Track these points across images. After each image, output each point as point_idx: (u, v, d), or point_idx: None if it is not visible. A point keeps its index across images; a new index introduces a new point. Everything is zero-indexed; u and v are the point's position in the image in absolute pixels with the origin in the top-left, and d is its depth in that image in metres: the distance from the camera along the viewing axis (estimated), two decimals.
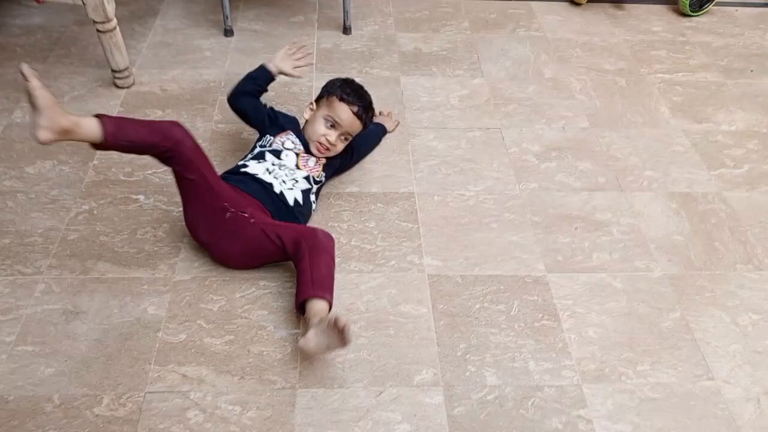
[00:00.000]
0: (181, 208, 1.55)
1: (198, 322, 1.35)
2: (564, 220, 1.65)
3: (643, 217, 1.67)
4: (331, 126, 1.58)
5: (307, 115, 1.65)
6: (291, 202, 1.50)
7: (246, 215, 1.38)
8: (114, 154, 1.69)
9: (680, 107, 2.07)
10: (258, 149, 1.59)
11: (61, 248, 1.47)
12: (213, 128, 1.83)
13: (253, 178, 1.49)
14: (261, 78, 1.67)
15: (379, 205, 1.65)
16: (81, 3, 1.71)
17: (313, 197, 1.57)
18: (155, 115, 1.87)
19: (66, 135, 1.18)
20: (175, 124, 1.30)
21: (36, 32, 2.18)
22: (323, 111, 1.59)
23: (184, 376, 1.25)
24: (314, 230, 1.40)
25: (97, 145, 1.24)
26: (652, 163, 1.84)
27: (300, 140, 1.60)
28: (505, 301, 1.44)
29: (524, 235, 1.60)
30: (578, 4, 2.58)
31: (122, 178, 1.66)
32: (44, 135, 1.16)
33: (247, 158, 1.57)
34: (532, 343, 1.36)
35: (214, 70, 2.06)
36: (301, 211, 1.52)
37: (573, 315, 1.43)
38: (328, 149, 1.59)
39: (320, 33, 2.29)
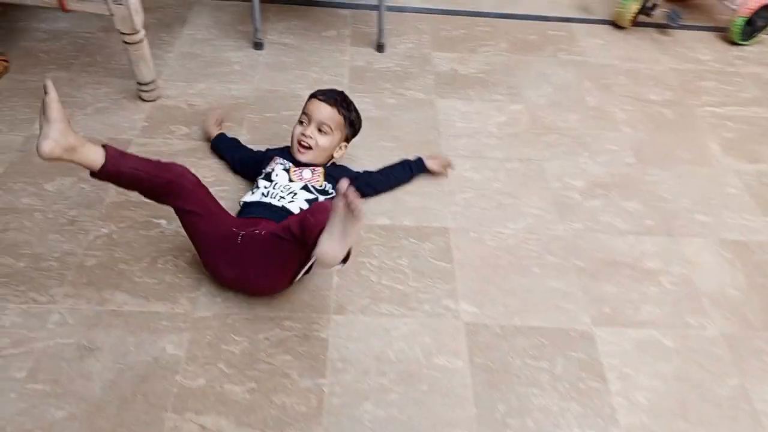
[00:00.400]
0: None
1: (219, 365, 1.26)
2: (610, 266, 1.54)
3: (694, 267, 1.56)
4: (302, 123, 1.56)
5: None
6: (297, 211, 1.42)
7: (256, 231, 1.31)
8: None
9: (731, 145, 1.95)
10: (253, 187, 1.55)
11: (77, 275, 1.39)
12: None
13: (252, 205, 1.45)
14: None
15: (411, 240, 1.55)
16: (108, 13, 1.63)
17: None
18: (180, 132, 1.78)
19: (70, 153, 1.18)
20: (178, 165, 1.30)
21: (61, 38, 2.10)
22: (300, 116, 1.58)
23: (202, 427, 1.17)
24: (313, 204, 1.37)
25: (97, 173, 1.22)
26: (703, 206, 1.73)
27: (288, 159, 1.56)
28: (549, 357, 1.34)
29: (568, 282, 1.49)
30: (621, 28, 2.46)
31: (144, 200, 1.55)
32: (49, 146, 1.15)
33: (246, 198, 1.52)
34: (577, 407, 1.26)
35: (243, 85, 1.98)
36: None
37: (621, 376, 1.32)
38: (308, 146, 1.54)
39: (353, 49, 2.20)
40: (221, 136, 1.71)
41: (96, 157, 1.20)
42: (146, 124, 1.80)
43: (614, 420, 1.24)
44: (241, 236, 1.30)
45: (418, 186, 1.70)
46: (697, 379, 1.33)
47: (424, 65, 2.16)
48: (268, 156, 1.60)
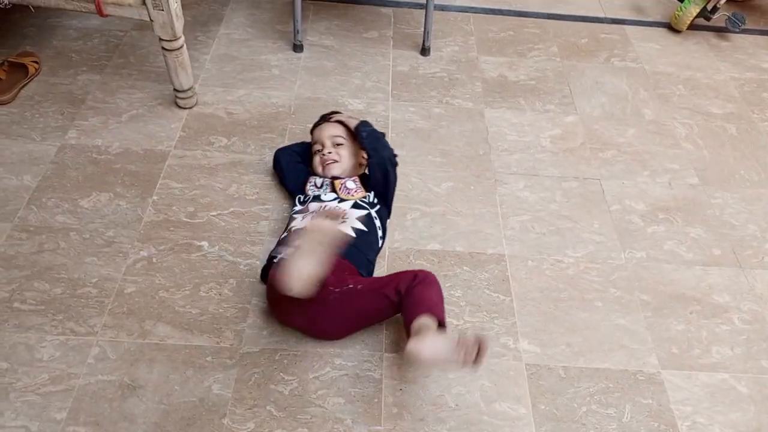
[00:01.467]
0: (249, 261, 1.41)
1: (268, 408, 1.19)
2: (677, 301, 1.45)
3: (766, 303, 1.46)
4: (318, 151, 1.55)
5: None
6: (352, 233, 1.35)
7: (351, 286, 1.23)
8: (175, 190, 1.54)
9: None
10: (298, 206, 1.47)
11: (117, 303, 1.32)
12: None
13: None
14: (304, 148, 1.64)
15: (465, 268, 1.47)
16: (148, 19, 1.53)
17: (377, 222, 1.42)
18: (219, 143, 1.70)
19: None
20: None
21: (93, 36, 2.01)
22: (313, 153, 1.57)
23: None
24: (412, 272, 1.27)
25: None
26: None
27: (325, 179, 1.50)
28: (616, 403, 1.25)
29: (633, 318, 1.40)
30: (677, 31, 2.33)
31: (184, 219, 1.50)
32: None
33: (293, 217, 1.43)
34: None
35: (283, 92, 1.88)
36: (368, 239, 1.38)
37: (693, 426, 1.23)
38: (333, 160, 1.52)
39: (396, 53, 2.09)
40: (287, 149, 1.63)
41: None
42: (183, 133, 1.71)
43: None
44: (335, 294, 1.22)
45: (469, 206, 1.61)
46: None
47: (471, 71, 2.05)
48: (306, 174, 1.55)
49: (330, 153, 1.52)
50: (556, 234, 1.56)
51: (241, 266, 1.41)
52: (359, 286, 1.24)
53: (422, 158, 1.72)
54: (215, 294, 1.36)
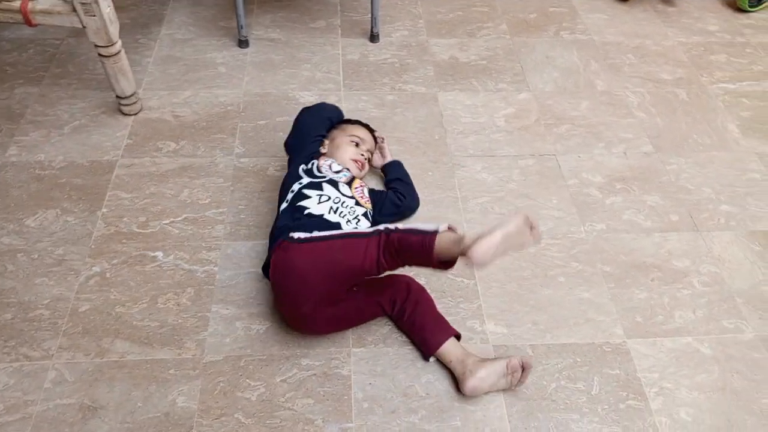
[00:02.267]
0: (207, 267, 1.38)
1: (236, 416, 1.17)
2: (638, 269, 1.46)
3: (724, 264, 1.49)
4: (357, 144, 1.52)
5: (324, 148, 1.50)
6: None
7: (355, 289, 1.25)
8: (125, 201, 1.50)
9: (750, 124, 1.86)
10: (307, 179, 1.37)
11: (71, 323, 1.28)
12: (235, 163, 1.62)
13: (322, 222, 1.28)
14: (335, 119, 1.58)
15: None
16: (80, 26, 1.47)
17: None
18: (168, 148, 1.65)
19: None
20: None
21: (27, 47, 1.94)
22: (343, 137, 1.52)
23: None
24: (404, 281, 1.32)
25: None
26: (727, 195, 1.65)
27: (346, 171, 1.44)
28: (584, 377, 1.26)
29: (597, 291, 1.41)
30: (624, 0, 2.34)
31: (136, 230, 1.45)
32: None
33: (303, 190, 1.34)
34: (619, 430, 1.19)
35: (230, 90, 1.84)
36: None
37: (661, 392, 1.25)
38: (363, 165, 1.51)
39: (344, 41, 2.06)
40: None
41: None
42: (130, 141, 1.66)
43: None
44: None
45: (428, 192, 1.59)
46: (739, 389, 1.26)
47: (422, 55, 2.03)
48: (317, 151, 1.48)
49: (366, 159, 1.52)
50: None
51: (199, 274, 1.38)
52: (356, 289, 1.25)
53: None
54: (173, 305, 1.32)
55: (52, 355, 1.23)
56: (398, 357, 1.27)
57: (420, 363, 1.26)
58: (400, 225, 1.18)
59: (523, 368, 1.19)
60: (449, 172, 1.65)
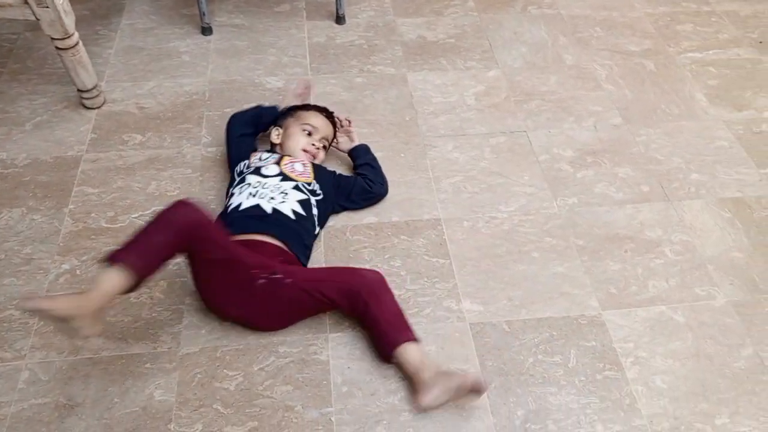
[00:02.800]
0: (178, 260, 1.35)
1: (214, 406, 1.16)
2: (611, 241, 1.47)
3: (695, 232, 1.51)
4: (309, 134, 1.51)
5: (276, 137, 1.52)
6: (291, 215, 1.32)
7: (279, 276, 1.20)
8: (92, 196, 1.47)
9: (717, 93, 1.88)
10: (237, 178, 1.42)
11: (43, 323, 1.26)
12: (203, 153, 1.60)
13: (245, 215, 1.31)
14: (266, 119, 1.57)
15: (402, 237, 1.45)
16: (34, 18, 1.43)
17: (315, 210, 1.37)
18: (134, 140, 1.62)
19: (103, 304, 1.03)
20: (180, 205, 1.12)
21: None
22: (295, 125, 1.51)
23: None
24: (360, 273, 1.27)
25: (135, 287, 1.07)
26: (696, 163, 1.66)
27: (274, 154, 1.46)
28: (561, 350, 1.28)
29: (571, 265, 1.42)
30: None
31: (105, 225, 1.43)
32: (90, 332, 1.02)
33: (232, 193, 1.39)
34: (597, 401, 1.21)
35: (195, 78, 1.80)
36: (305, 224, 1.35)
37: (637, 361, 1.27)
38: (315, 156, 1.50)
39: (310, 24, 2.03)
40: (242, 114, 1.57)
41: (118, 279, 1.03)
42: (94, 135, 1.63)
43: (636, 410, 1.20)
44: (262, 280, 1.19)
45: (400, 174, 1.59)
46: (712, 354, 1.29)
47: (389, 35, 2.01)
48: (248, 152, 1.49)
49: (317, 148, 1.50)
50: (488, 191, 1.56)
51: (171, 266, 1.35)
52: (288, 280, 1.21)
53: None
54: (146, 299, 1.31)
55: (25, 355, 1.21)
56: None
57: None
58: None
59: (473, 390, 1.14)
60: (421, 152, 1.65)
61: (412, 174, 1.59)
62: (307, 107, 1.57)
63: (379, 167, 1.55)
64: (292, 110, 1.56)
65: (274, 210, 1.32)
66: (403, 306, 1.31)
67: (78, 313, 0.98)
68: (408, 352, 1.19)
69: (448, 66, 1.91)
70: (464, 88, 1.84)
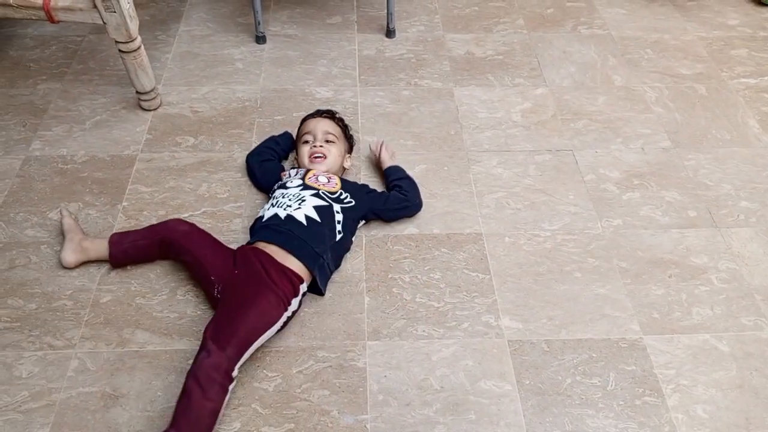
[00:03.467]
0: None
1: (253, 406, 1.18)
2: (655, 265, 1.45)
3: (743, 260, 1.47)
4: (307, 142, 1.54)
5: (294, 161, 1.61)
6: (303, 221, 1.34)
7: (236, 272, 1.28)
8: (145, 195, 1.52)
9: None
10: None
11: (93, 314, 1.31)
12: None
13: (263, 225, 1.36)
14: (283, 144, 1.64)
15: (443, 250, 1.46)
16: (101, 22, 1.50)
17: (339, 216, 1.38)
18: (187, 143, 1.67)
19: (86, 254, 1.38)
20: (171, 220, 1.41)
21: (50, 44, 1.97)
22: (298, 143, 1.58)
23: None
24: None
25: (111, 261, 1.37)
26: (747, 191, 1.63)
27: (301, 169, 1.50)
28: (600, 372, 1.26)
29: (613, 287, 1.41)
30: None
31: (155, 222, 1.48)
32: (69, 258, 1.37)
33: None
34: (635, 426, 1.19)
35: (248, 86, 1.86)
36: (319, 230, 1.34)
37: (677, 389, 1.24)
38: (322, 155, 1.50)
39: (361, 37, 2.07)
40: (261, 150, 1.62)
41: (104, 249, 1.36)
42: (150, 136, 1.69)
43: None
44: (217, 290, 1.27)
45: (443, 187, 1.60)
46: (757, 387, 1.25)
47: (438, 50, 2.03)
48: (280, 170, 1.55)
49: (321, 147, 1.50)
50: (531, 208, 1.56)
51: None
52: (236, 271, 1.28)
53: (394, 143, 1.71)
54: (192, 296, 1.35)
55: (75, 344, 1.26)
56: (413, 350, 1.28)
57: (435, 356, 1.27)
58: None
59: None
60: (465, 167, 1.66)
61: (455, 188, 1.60)
62: (301, 121, 1.62)
63: (415, 183, 1.55)
64: (297, 134, 1.62)
65: (288, 216, 1.34)
66: (441, 319, 1.32)
67: (73, 238, 1.38)
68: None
69: (495, 82, 1.92)
70: (511, 104, 1.85)
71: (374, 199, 1.47)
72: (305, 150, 1.51)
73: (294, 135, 1.64)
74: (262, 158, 1.57)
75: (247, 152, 1.61)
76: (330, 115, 1.61)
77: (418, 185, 1.54)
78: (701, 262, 1.47)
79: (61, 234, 1.41)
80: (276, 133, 1.66)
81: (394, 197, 1.49)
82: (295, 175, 1.47)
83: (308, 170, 1.47)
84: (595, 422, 1.19)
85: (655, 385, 1.25)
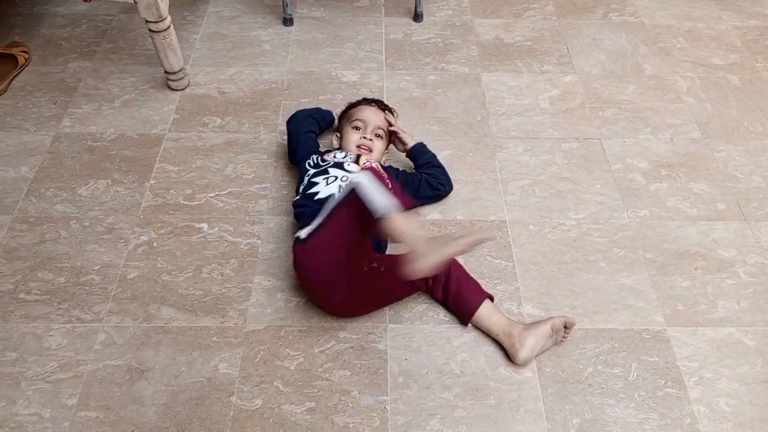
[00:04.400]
0: (250, 240, 1.41)
1: (275, 384, 1.20)
2: (682, 257, 1.43)
3: None
4: (358, 128, 1.52)
5: (336, 142, 1.56)
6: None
7: (375, 266, 1.24)
8: (172, 174, 1.54)
9: None
10: (315, 170, 1.41)
11: (120, 289, 1.33)
12: (279, 140, 1.65)
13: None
14: (324, 121, 1.63)
15: None
16: (132, 1, 1.51)
17: None
18: (214, 123, 1.69)
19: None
20: None
21: (81, 22, 1.99)
22: (347, 126, 1.53)
23: None
24: None
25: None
26: None
27: (351, 154, 1.47)
28: (622, 362, 1.25)
29: (638, 278, 1.39)
30: None
31: (182, 201, 1.50)
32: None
33: (312, 179, 1.38)
34: (656, 417, 1.18)
35: (275, 68, 1.86)
36: None
37: (700, 381, 1.23)
38: (369, 149, 1.49)
39: (388, 20, 2.05)
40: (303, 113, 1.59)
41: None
42: (177, 116, 1.70)
43: (696, 431, 1.16)
44: (366, 267, 1.24)
45: (468, 173, 1.59)
46: None
47: (465, 35, 2.01)
48: (315, 148, 1.52)
49: (371, 140, 1.49)
50: (557, 197, 1.55)
51: (242, 246, 1.41)
52: (382, 268, 1.24)
53: (420, 127, 1.70)
54: (217, 275, 1.36)
55: (102, 318, 1.28)
56: (434, 335, 1.28)
57: (456, 341, 1.27)
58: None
59: (566, 327, 1.25)
60: (490, 153, 1.65)
61: (479, 174, 1.60)
62: (353, 104, 1.58)
63: (441, 165, 1.54)
64: (344, 113, 1.59)
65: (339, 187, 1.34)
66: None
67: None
68: (487, 311, 1.27)
69: (524, 68, 1.90)
70: (539, 91, 1.83)
71: (406, 183, 1.47)
72: (355, 137, 1.50)
73: (335, 117, 1.63)
74: (309, 129, 1.54)
75: (273, 133, 1.61)
76: (385, 108, 1.59)
77: None
78: (729, 255, 1.44)
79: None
80: (323, 107, 1.65)
81: (425, 185, 1.48)
82: (347, 158, 1.43)
83: (360, 156, 1.45)
84: (615, 412, 1.18)
85: (677, 377, 1.24)
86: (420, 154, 1.55)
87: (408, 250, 1.06)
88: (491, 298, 1.29)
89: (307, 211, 1.31)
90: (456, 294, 1.29)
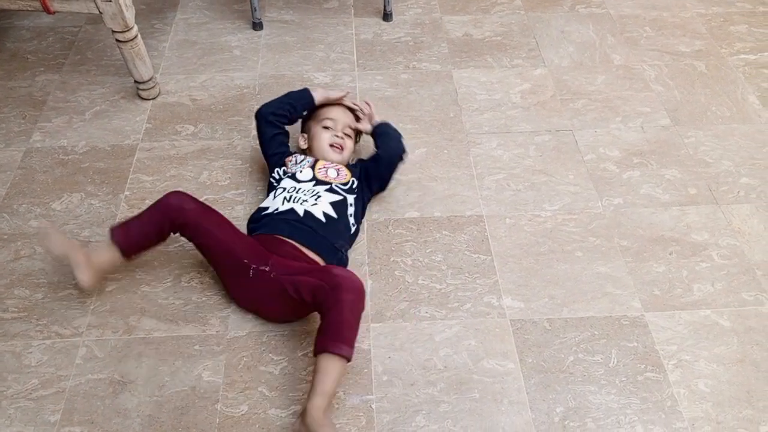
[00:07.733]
0: None
1: (259, 389, 1.20)
2: (656, 243, 1.46)
3: (744, 237, 1.48)
4: (328, 128, 1.50)
5: (303, 143, 1.53)
6: (322, 218, 1.35)
7: (266, 269, 1.24)
8: (147, 183, 1.53)
9: None
10: (274, 183, 1.45)
11: (99, 302, 1.32)
12: (253, 145, 1.64)
13: (276, 218, 1.35)
14: (301, 101, 1.54)
15: (444, 232, 1.47)
16: (97, 12, 1.50)
17: (351, 209, 1.40)
18: (187, 131, 1.68)
19: (101, 267, 1.25)
20: (172, 193, 1.30)
21: (47, 35, 1.97)
22: (316, 125, 1.52)
23: None
24: (338, 275, 1.18)
25: (125, 257, 1.27)
26: (747, 167, 1.63)
27: (309, 157, 1.48)
28: (602, 350, 1.27)
29: (614, 265, 1.41)
30: None
31: (155, 203, 1.48)
32: (87, 282, 1.22)
33: (268, 197, 1.43)
34: (637, 402, 1.20)
35: (246, 72, 1.85)
36: (336, 226, 1.36)
37: (679, 364, 1.26)
38: (341, 147, 1.49)
39: (358, 21, 2.06)
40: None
41: (113, 252, 1.25)
42: (149, 125, 1.69)
43: (677, 413, 1.19)
44: (252, 270, 1.25)
45: (444, 170, 1.60)
46: (758, 360, 1.26)
47: (436, 32, 2.02)
48: (287, 153, 1.50)
49: (342, 139, 1.49)
50: (531, 189, 1.57)
51: None
52: (273, 274, 1.23)
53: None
54: (197, 283, 1.36)
55: (82, 332, 1.27)
56: (416, 332, 1.29)
57: (438, 336, 1.28)
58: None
59: None
60: (464, 149, 1.66)
61: (455, 170, 1.61)
62: (322, 104, 1.55)
63: (393, 130, 1.51)
64: (311, 113, 1.55)
65: (306, 213, 1.34)
66: (443, 300, 1.34)
67: (69, 255, 1.21)
68: (327, 363, 1.11)
69: (494, 64, 1.92)
70: (510, 86, 1.85)
71: (369, 174, 1.48)
72: (326, 136, 1.49)
73: (312, 93, 1.54)
74: (275, 131, 1.49)
75: (247, 138, 1.61)
76: (352, 110, 1.58)
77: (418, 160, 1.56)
78: (702, 238, 1.47)
79: (57, 258, 1.26)
80: (293, 91, 1.56)
81: (372, 159, 1.50)
82: (303, 163, 1.45)
83: (316, 160, 1.46)
84: (598, 398, 1.20)
85: (656, 361, 1.26)
86: (377, 136, 1.53)
87: (320, 396, 1.08)
88: (347, 359, 1.13)
89: (264, 224, 1.36)
90: (321, 329, 1.16)
